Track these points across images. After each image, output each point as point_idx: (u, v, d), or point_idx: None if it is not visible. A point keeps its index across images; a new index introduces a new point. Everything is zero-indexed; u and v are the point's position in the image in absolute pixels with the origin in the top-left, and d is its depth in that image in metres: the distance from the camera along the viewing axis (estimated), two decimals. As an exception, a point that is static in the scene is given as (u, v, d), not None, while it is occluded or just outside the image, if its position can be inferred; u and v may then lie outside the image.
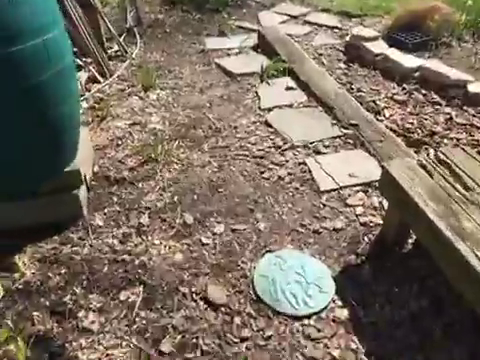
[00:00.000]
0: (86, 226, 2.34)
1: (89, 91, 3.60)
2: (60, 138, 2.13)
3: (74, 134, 2.28)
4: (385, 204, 2.46)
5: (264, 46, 4.45)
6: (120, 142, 3.07)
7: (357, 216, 2.43)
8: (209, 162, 2.89)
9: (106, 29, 4.23)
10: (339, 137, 3.10)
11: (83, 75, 3.73)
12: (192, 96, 3.69)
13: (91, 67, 3.78)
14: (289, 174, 2.77)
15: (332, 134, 3.12)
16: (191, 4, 5.49)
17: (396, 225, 2.17)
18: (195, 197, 2.57)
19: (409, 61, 4.11)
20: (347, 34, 4.98)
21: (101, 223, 2.37)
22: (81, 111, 3.24)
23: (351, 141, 3.06)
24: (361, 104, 3.66)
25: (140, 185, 2.66)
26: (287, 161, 2.88)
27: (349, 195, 2.58)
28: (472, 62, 4.13)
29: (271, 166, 2.85)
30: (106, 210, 2.46)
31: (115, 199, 2.55)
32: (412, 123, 3.51)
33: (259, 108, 3.51)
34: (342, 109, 3.35)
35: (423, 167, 2.10)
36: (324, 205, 2.52)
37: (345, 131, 3.14)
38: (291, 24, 5.34)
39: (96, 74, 3.76)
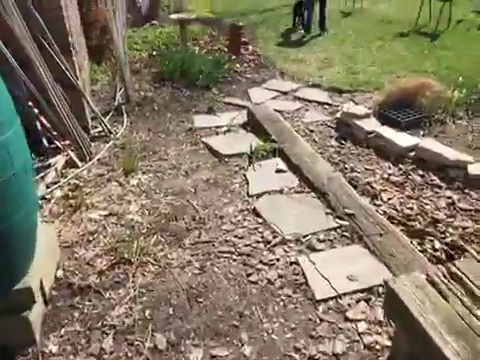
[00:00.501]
0: (37, 354, 1.90)
1: (65, 177, 3.29)
2: (7, 252, 1.77)
3: (27, 245, 1.92)
4: (392, 317, 2.06)
5: (253, 124, 4.24)
6: (92, 238, 2.71)
7: (360, 335, 2.01)
8: (189, 262, 2.51)
9: (91, 109, 4.02)
10: (334, 229, 2.75)
11: (60, 160, 3.45)
12: (176, 180, 3.39)
13: (70, 151, 3.50)
14: (280, 276, 2.38)
15: (326, 226, 2.77)
16: (181, 81, 5.37)
17: (406, 355, 1.76)
18: (170, 310, 2.16)
19: (403, 140, 3.88)
20: (338, 110, 4.81)
21: (55, 349, 1.94)
22: (53, 202, 2.92)
23: (347, 234, 2.70)
24: (356, 187, 3.37)
25: (107, 295, 2.25)
26: (278, 260, 2.51)
27: (349, 305, 2.18)
28: (469, 140, 3.91)
29: (259, 266, 2.46)
30: (64, 330, 2.04)
31: (76, 314, 2.13)
32: (412, 208, 3.19)
33: (247, 194, 3.20)
34: (336, 195, 3.03)
35: (433, 284, 1.73)
36: (321, 319, 2.11)
37: (340, 222, 2.80)
38: (281, 100, 5.20)
39: (74, 158, 3.48)
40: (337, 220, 2.81)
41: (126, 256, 2.48)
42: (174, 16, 6.36)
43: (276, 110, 4.75)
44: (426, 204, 3.25)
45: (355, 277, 2.33)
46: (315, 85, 5.57)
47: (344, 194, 3.04)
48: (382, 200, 3.28)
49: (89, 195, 3.13)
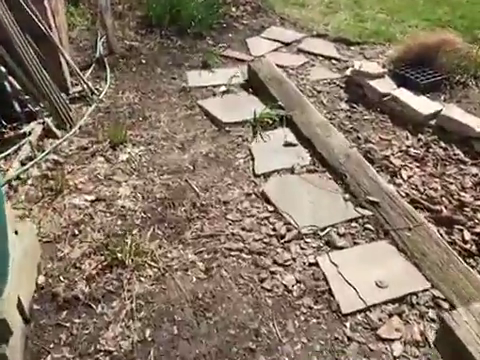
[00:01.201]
0: (17, 393, 1.58)
1: (42, 151, 2.80)
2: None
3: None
4: (430, 335, 1.78)
5: (256, 84, 3.72)
6: (77, 231, 2.30)
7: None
8: (193, 263, 2.15)
9: (69, 65, 3.42)
10: (356, 220, 2.40)
11: (36, 128, 2.94)
12: (171, 154, 2.94)
13: (46, 118, 2.98)
14: (298, 282, 2.05)
15: (347, 216, 2.41)
16: (171, 28, 4.70)
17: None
18: (175, 329, 1.83)
19: (423, 106, 3.44)
20: (347, 67, 4.29)
21: (40, 386, 1.61)
22: (29, 183, 2.47)
23: (371, 227, 2.36)
24: (372, 162, 2.99)
25: (99, 308, 1.90)
26: (294, 260, 2.17)
27: (381, 320, 1.88)
28: (494, 106, 3.50)
29: (273, 268, 2.13)
30: (50, 358, 1.70)
31: (64, 336, 1.78)
32: (436, 189, 2.84)
33: (254, 173, 2.79)
34: (355, 177, 2.65)
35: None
36: (349, 338, 1.81)
37: (362, 212, 2.44)
38: (284, 53, 4.62)
39: (52, 126, 2.97)
40: (358, 209, 2.45)
41: (119, 256, 2.10)
42: None
43: (278, 65, 4.21)
44: (451, 183, 2.90)
45: (384, 283, 2.02)
46: (320, 35, 4.96)
47: (364, 176, 2.66)
48: (402, 178, 2.92)
49: (72, 174, 2.68)
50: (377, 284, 2.01)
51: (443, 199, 2.75)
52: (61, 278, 2.02)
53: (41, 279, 2.01)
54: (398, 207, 2.43)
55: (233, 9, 5.42)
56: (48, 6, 3.21)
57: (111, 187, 2.60)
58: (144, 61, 4.13)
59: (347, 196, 2.55)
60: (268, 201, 2.54)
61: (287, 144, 3.01)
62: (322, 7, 5.68)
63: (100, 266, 2.08)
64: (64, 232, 2.29)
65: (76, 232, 2.29)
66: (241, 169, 2.83)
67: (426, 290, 1.99)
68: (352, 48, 4.72)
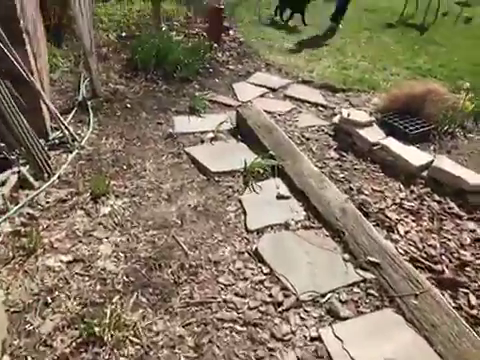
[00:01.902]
0: None
1: (16, 203, 2.53)
2: None
3: None
4: None
5: (245, 132, 3.58)
6: (50, 299, 2.02)
7: None
8: (181, 337, 1.89)
9: (50, 111, 3.20)
10: (358, 285, 2.20)
11: (11, 178, 2.67)
12: (157, 207, 2.71)
13: (22, 167, 2.73)
14: (300, 361, 1.81)
15: (348, 279, 2.21)
16: (157, 72, 4.58)
17: None
18: None
19: (415, 157, 3.36)
20: (334, 113, 4.24)
21: None
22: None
23: (375, 293, 2.16)
24: (368, 215, 2.84)
25: (73, 402, 1.60)
26: (293, 333, 1.93)
27: None
28: (485, 160, 3.45)
29: (272, 344, 1.88)
30: None
31: None
32: (434, 246, 2.70)
33: (246, 228, 2.58)
34: (353, 235, 2.48)
35: None
36: None
37: (364, 274, 2.25)
38: (271, 98, 4.54)
39: (28, 176, 2.71)
40: (359, 271, 2.26)
41: (96, 331, 1.82)
42: (146, -8, 5.46)
43: (266, 111, 4.11)
44: (449, 240, 2.77)
45: (394, 361, 1.80)
46: (305, 81, 4.94)
47: (363, 233, 2.48)
48: (399, 234, 2.78)
49: (47, 230, 2.40)
50: (387, 362, 1.79)
51: (443, 257, 2.61)
52: (29, 359, 1.72)
53: (5, 361, 1.71)
54: (400, 268, 2.25)
55: (219, 54, 5.37)
56: (30, 50, 3.03)
57: (90, 245, 2.34)
58: (129, 105, 3.95)
59: (346, 256, 2.36)
60: (262, 261, 2.32)
61: (280, 197, 2.83)
62: (306, 55, 5.71)
63: (74, 344, 1.79)
64: (35, 300, 2.00)
65: (49, 300, 2.00)
66: (232, 224, 2.62)
67: (441, 369, 1.78)
68: (338, 95, 4.69)
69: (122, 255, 2.30)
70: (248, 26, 6.68)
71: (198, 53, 4.94)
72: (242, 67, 5.23)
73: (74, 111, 3.74)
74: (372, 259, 2.30)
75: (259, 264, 2.31)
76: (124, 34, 5.49)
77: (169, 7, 6.47)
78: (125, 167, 3.07)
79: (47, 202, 2.60)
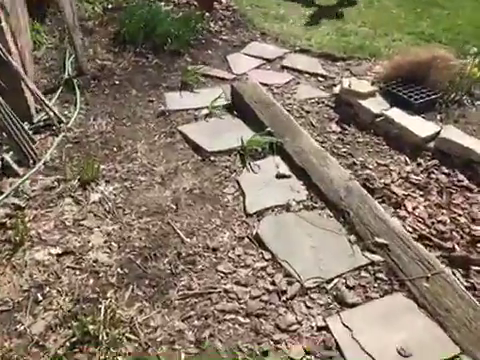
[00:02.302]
0: None
1: (0, 193, 2.38)
2: None
3: None
4: None
5: (241, 107, 3.39)
6: (40, 295, 1.90)
7: None
8: (181, 332, 1.78)
9: (32, 91, 3.00)
10: (365, 268, 2.08)
11: (-7, 165, 2.51)
12: (151, 191, 2.56)
13: (5, 154, 2.56)
14: (307, 354, 1.71)
15: (355, 263, 2.09)
16: (146, 45, 4.32)
17: None
18: None
19: (420, 127, 3.19)
20: (334, 84, 4.03)
21: None
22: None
23: (383, 276, 2.05)
24: (373, 191, 2.70)
25: (67, 406, 1.50)
26: (300, 323, 1.82)
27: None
28: (494, 128, 3.28)
29: (277, 335, 1.78)
30: None
31: None
32: (444, 222, 2.57)
33: (245, 211, 2.44)
34: (359, 215, 2.34)
35: None
36: None
37: (371, 257, 2.13)
38: (267, 70, 4.31)
39: (12, 163, 2.55)
40: (366, 254, 2.14)
41: (91, 329, 1.70)
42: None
43: (263, 84, 3.91)
44: (459, 215, 2.64)
45: (408, 350, 1.70)
46: (303, 50, 4.68)
47: (369, 212, 2.35)
48: (407, 210, 2.64)
49: (34, 221, 2.26)
50: (400, 352, 1.69)
51: (454, 234, 2.48)
52: (18, 364, 1.62)
53: (-7, 366, 1.60)
54: (410, 249, 2.13)
55: (211, 24, 5.08)
56: (6, 27, 2.80)
57: (81, 235, 2.21)
58: (118, 82, 3.74)
59: (352, 238, 2.23)
60: (263, 246, 2.20)
61: (280, 176, 2.68)
62: (303, 21, 5.42)
63: (68, 343, 1.68)
64: (25, 297, 1.88)
65: (39, 297, 1.89)
66: (230, 207, 2.48)
67: (456, 357, 1.68)
68: (338, 64, 4.46)
69: (115, 245, 2.17)
70: (241, -7, 6.31)
71: (189, 24, 4.66)
72: (236, 37, 4.96)
73: (60, 90, 3.53)
74: (380, 240, 2.17)
75: (260, 250, 2.18)
76: (111, 6, 5.17)
77: (157, -25, 6.09)
78: (115, 149, 2.91)
79: (33, 191, 2.45)
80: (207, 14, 5.07)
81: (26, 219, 2.24)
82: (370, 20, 5.50)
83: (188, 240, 2.22)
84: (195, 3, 5.49)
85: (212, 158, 2.87)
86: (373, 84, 3.82)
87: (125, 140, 3.01)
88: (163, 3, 5.21)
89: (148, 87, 3.73)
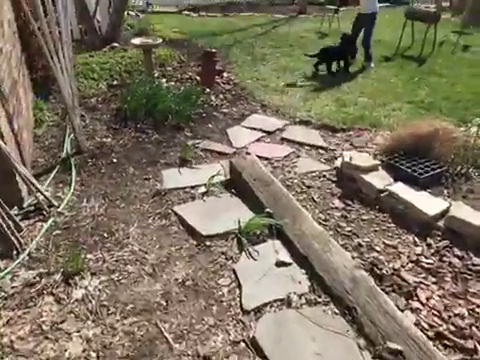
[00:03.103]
0: None
1: (-25, 292, 2.16)
2: None
3: None
4: None
5: (239, 185, 3.24)
6: None
7: None
8: None
9: (23, 178, 2.88)
10: (379, 383, 1.78)
11: (-27, 259, 2.32)
12: (139, 284, 2.33)
13: (-14, 245, 2.38)
14: None
15: (366, 375, 1.79)
16: (147, 121, 4.30)
17: None
18: None
19: (427, 204, 2.98)
20: (335, 156, 3.90)
21: None
22: None
23: (401, 394, 1.74)
24: (381, 278, 2.45)
25: None
26: None
27: None
28: (507, 204, 3.05)
29: None
30: None
31: None
32: (462, 316, 2.28)
33: (241, 307, 2.18)
34: (368, 313, 2.06)
35: None
36: None
37: (385, 367, 1.83)
38: (267, 143, 4.23)
39: (-6, 255, 2.36)
40: (379, 363, 1.84)
41: None
42: (137, 41, 5.27)
43: (262, 157, 3.81)
44: (478, 306, 2.34)
45: None
46: (303, 122, 4.64)
47: (378, 309, 2.07)
48: (420, 301, 2.36)
49: (9, 325, 2.02)
50: None
51: (473, 329, 2.18)
52: None
53: None
54: (426, 355, 1.83)
55: (212, 98, 5.12)
56: (1, 111, 2.75)
57: (58, 343, 1.95)
58: (115, 160, 3.64)
59: (362, 342, 1.95)
60: (261, 353, 1.91)
61: (280, 263, 2.45)
62: (303, 93, 5.45)
63: None
64: None
65: None
66: (225, 302, 2.22)
67: None
68: (338, 135, 4.38)
69: (94, 355, 1.90)
70: (242, 66, 6.47)
71: (190, 99, 4.68)
72: (237, 110, 4.96)
73: (56, 170, 3.43)
74: (393, 346, 1.88)
75: (257, 358, 1.89)
76: (115, 83, 5.28)
77: (162, 52, 6.30)
78: (106, 235, 2.71)
79: (13, 287, 2.23)
80: (208, 90, 5.11)
81: (0, 323, 2.00)
82: (369, 90, 5.51)
83: (176, 346, 1.95)
84: (197, 78, 5.59)
85: (208, 243, 2.66)
86: (375, 157, 3.69)
87: (117, 224, 2.83)
88: (165, 80, 5.31)
89: (146, 164, 3.63)
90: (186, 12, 10.84)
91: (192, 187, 3.30)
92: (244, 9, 11.43)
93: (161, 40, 5.38)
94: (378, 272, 2.54)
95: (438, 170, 3.29)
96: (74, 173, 3.38)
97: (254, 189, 3.04)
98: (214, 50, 5.47)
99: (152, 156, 3.76)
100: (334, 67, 6.21)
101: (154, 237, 2.73)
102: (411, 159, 3.44)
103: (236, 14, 10.81)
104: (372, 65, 6.40)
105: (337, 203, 3.28)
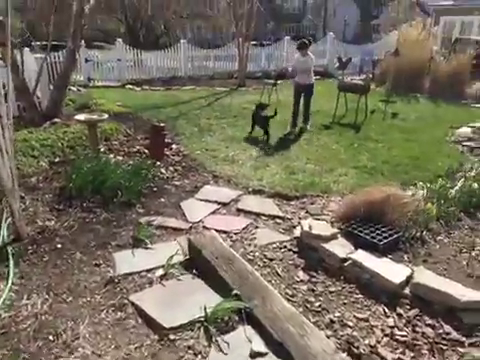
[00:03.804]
0: None
1: None
2: None
3: None
4: None
5: (201, 264, 3.03)
6: None
7: None
8: None
9: None
10: None
11: None
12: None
13: None
14: None
15: None
16: (95, 198, 4.04)
17: None
18: None
19: (391, 272, 2.97)
20: (293, 226, 3.87)
21: None
22: None
23: None
24: (359, 358, 2.29)
25: None
26: None
27: None
28: (464, 265, 3.13)
29: None
30: None
31: None
32: (448, 393, 2.16)
33: None
34: (357, 403, 1.89)
35: None
36: None
37: None
38: (223, 215, 4.11)
39: None
40: None
41: None
42: (80, 117, 5.12)
43: (221, 231, 3.68)
44: (459, 379, 2.26)
45: None
46: (256, 191, 4.63)
47: (367, 400, 1.90)
48: (403, 381, 2.23)
49: None
50: None
51: None
52: None
53: None
54: None
55: (163, 170, 5.01)
56: None
57: None
58: (60, 245, 3.30)
59: None
60: None
61: (254, 354, 2.22)
62: (252, 162, 5.52)
63: None
64: None
65: None
66: None
67: None
68: (292, 203, 4.39)
69: None
70: (190, 138, 6.51)
71: (140, 173, 4.52)
72: (189, 182, 4.86)
73: (-10, 262, 3.01)
74: None
75: None
76: (57, 159, 5.00)
77: (107, 126, 6.18)
78: (51, 338, 2.34)
79: None
80: (158, 163, 5.00)
81: None
82: (314, 157, 5.72)
83: None
84: (146, 151, 5.49)
85: (171, 336, 2.38)
86: (332, 224, 3.71)
87: (64, 322, 2.47)
88: (112, 155, 5.13)
89: (95, 247, 3.33)
90: (129, 86, 10.99)
91: (148, 270, 3.04)
92: (186, 83, 11.84)
93: (106, 115, 5.27)
94: (355, 351, 2.41)
95: (395, 235, 3.35)
96: (12, 264, 2.99)
97: (217, 268, 2.85)
98: (162, 124, 5.46)
99: (102, 238, 3.47)
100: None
101: (109, 335, 2.40)
102: (368, 225, 3.49)
103: (179, 87, 11.15)
104: (308, 127, 7.03)
105: (302, 275, 3.17)
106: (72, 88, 9.37)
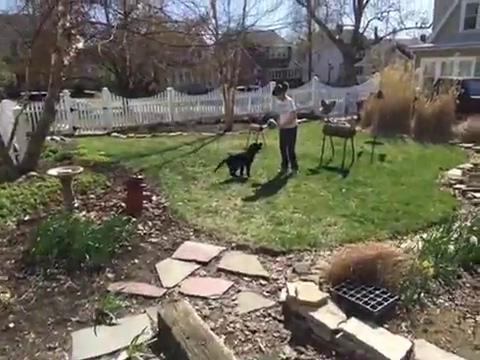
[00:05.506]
0: None
1: None
2: None
3: None
4: None
5: (171, 344, 2.60)
6: None
7: None
8: None
9: None
10: None
11: None
12: None
13: None
14: None
15: None
16: (60, 264, 3.62)
17: None
18: None
19: (389, 347, 2.59)
20: (279, 288, 3.47)
21: None
22: None
23: None
24: None
25: None
26: None
27: None
28: (469, 335, 2.72)
29: None
30: None
31: None
32: None
33: None
34: None
35: None
36: None
37: None
38: (202, 277, 3.70)
39: None
40: None
41: None
42: (54, 171, 4.80)
43: (198, 297, 3.29)
44: None
45: None
46: (240, 246, 4.25)
47: None
48: None
49: None
50: None
51: None
52: None
53: None
54: None
55: (140, 226, 4.63)
56: None
57: None
58: (12, 324, 2.87)
59: None
60: None
61: None
62: (236, 212, 5.18)
63: None
64: None
65: None
66: None
67: None
68: (278, 259, 4.01)
69: None
70: (173, 187, 6.19)
71: (113, 231, 4.14)
72: (167, 238, 4.48)
73: None
74: None
75: None
76: (27, 218, 4.63)
77: (85, 179, 5.86)
78: None
79: None
80: (134, 219, 4.63)
81: None
82: (301, 205, 5.40)
83: None
84: (123, 205, 5.14)
85: None
86: (321, 285, 3.33)
87: None
88: (85, 211, 4.77)
89: (52, 325, 2.89)
90: (115, 134, 10.80)
91: (110, 354, 2.60)
92: (173, 128, 11.71)
93: (81, 168, 4.96)
94: None
95: (390, 300, 2.96)
96: None
97: (188, 352, 2.42)
98: (140, 176, 5.17)
99: (62, 312, 3.05)
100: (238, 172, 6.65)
101: None
102: (360, 288, 3.11)
103: (166, 134, 10.98)
104: (298, 172, 6.82)
105: (288, 351, 2.76)
106: (55, 138, 9.14)
